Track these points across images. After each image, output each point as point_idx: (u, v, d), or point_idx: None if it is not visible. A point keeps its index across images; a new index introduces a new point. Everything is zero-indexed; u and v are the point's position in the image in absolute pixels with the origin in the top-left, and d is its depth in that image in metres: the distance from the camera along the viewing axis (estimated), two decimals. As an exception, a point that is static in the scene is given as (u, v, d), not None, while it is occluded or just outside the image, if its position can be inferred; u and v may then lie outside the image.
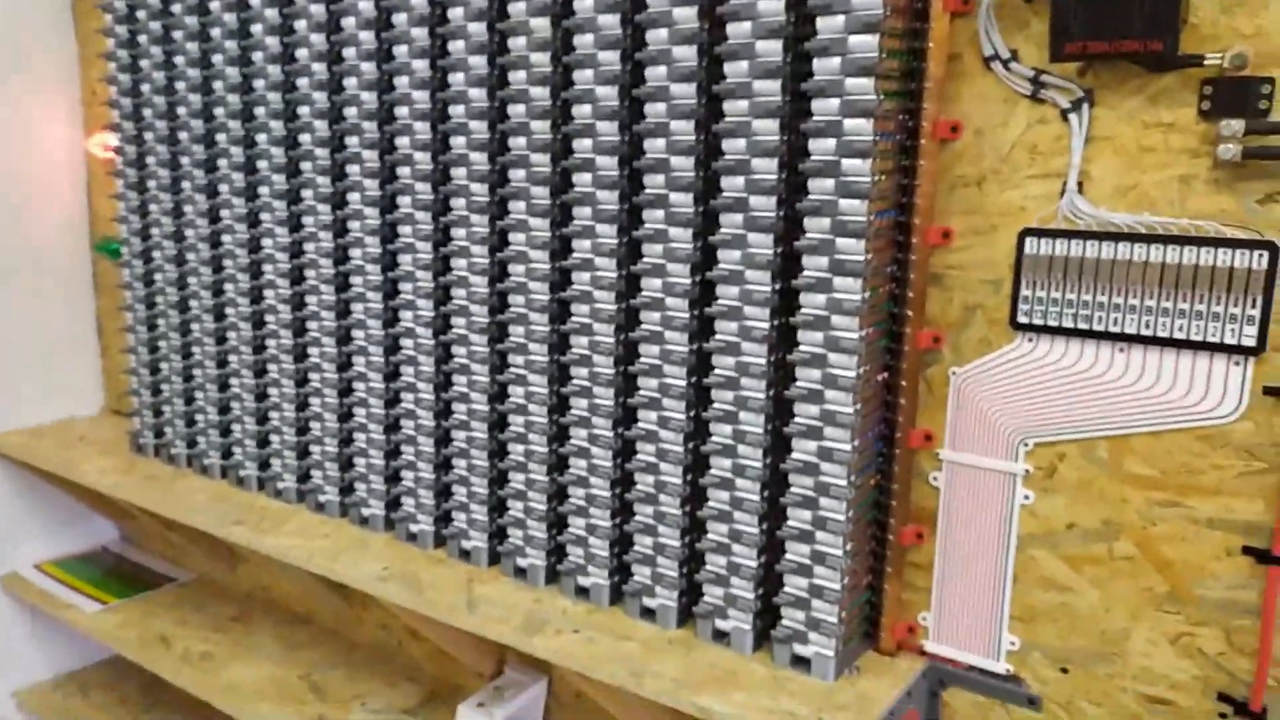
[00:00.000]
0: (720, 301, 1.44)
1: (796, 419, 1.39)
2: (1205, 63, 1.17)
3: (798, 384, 1.38)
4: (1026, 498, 1.38)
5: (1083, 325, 1.29)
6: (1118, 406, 1.29)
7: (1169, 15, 1.15)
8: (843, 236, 1.32)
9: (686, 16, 1.39)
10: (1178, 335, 1.23)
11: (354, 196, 1.86)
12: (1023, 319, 1.33)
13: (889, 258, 1.39)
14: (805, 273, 1.36)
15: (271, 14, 1.88)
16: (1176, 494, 1.27)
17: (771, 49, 1.33)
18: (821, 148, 1.32)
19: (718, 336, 1.45)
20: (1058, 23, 1.22)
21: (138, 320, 2.31)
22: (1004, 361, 1.37)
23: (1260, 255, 1.17)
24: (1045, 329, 1.32)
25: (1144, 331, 1.25)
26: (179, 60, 2.08)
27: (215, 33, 2.00)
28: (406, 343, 1.84)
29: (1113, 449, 1.30)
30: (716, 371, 1.46)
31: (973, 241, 1.37)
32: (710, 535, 1.51)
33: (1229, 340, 1.20)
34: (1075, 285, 1.29)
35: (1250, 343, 1.19)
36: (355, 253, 1.88)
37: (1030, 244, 1.31)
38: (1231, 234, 1.19)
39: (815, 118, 1.32)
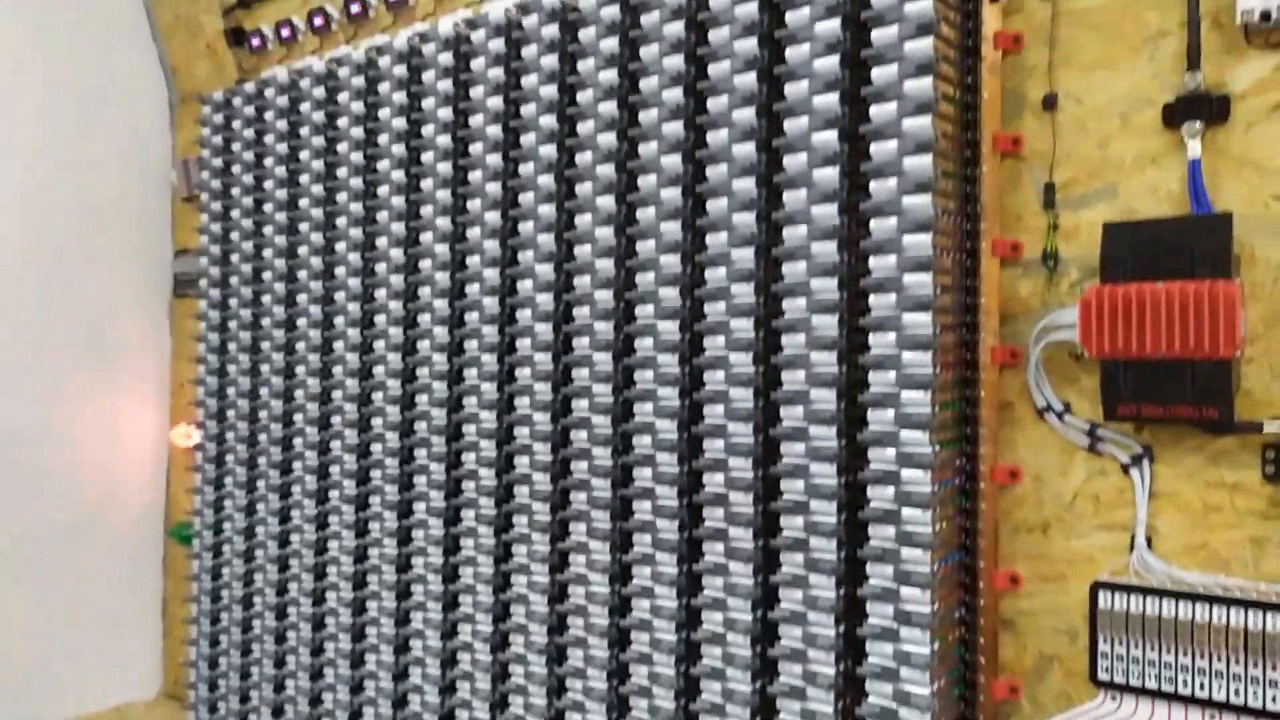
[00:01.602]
0: (782, 679, 1.41)
1: (868, 777, 1.33)
2: (1264, 430, 1.18)
3: (868, 739, 1.33)
4: None
5: (1168, 688, 1.23)
6: (1215, 778, 1.21)
7: (1222, 384, 1.17)
8: (907, 586, 1.31)
9: (742, 361, 1.45)
10: (1271, 708, 1.16)
11: (419, 506, 1.91)
12: (1103, 675, 1.28)
13: (956, 601, 1.37)
14: (870, 620, 1.34)
15: (354, 334, 2.01)
16: None
17: (826, 397, 1.37)
18: (881, 495, 1.34)
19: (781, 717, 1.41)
20: (1108, 385, 1.25)
21: (202, 612, 2.34)
22: None
23: (1349, 628, 1.12)
24: (1129, 688, 1.26)
25: (1234, 699, 1.19)
26: (264, 368, 2.21)
27: (300, 346, 2.14)
28: (464, 657, 1.82)
29: (1215, 825, 1.21)
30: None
31: (1042, 588, 1.35)
32: None
33: (1328, 716, 1.13)
34: (1156, 644, 1.24)
35: (1352, 721, 1.12)
36: (417, 560, 1.91)
37: (1104, 598, 1.28)
38: (1315, 602, 1.15)
39: (873, 465, 1.34)
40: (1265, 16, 1.17)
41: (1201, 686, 1.21)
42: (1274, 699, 1.17)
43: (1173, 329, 1.17)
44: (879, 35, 1.33)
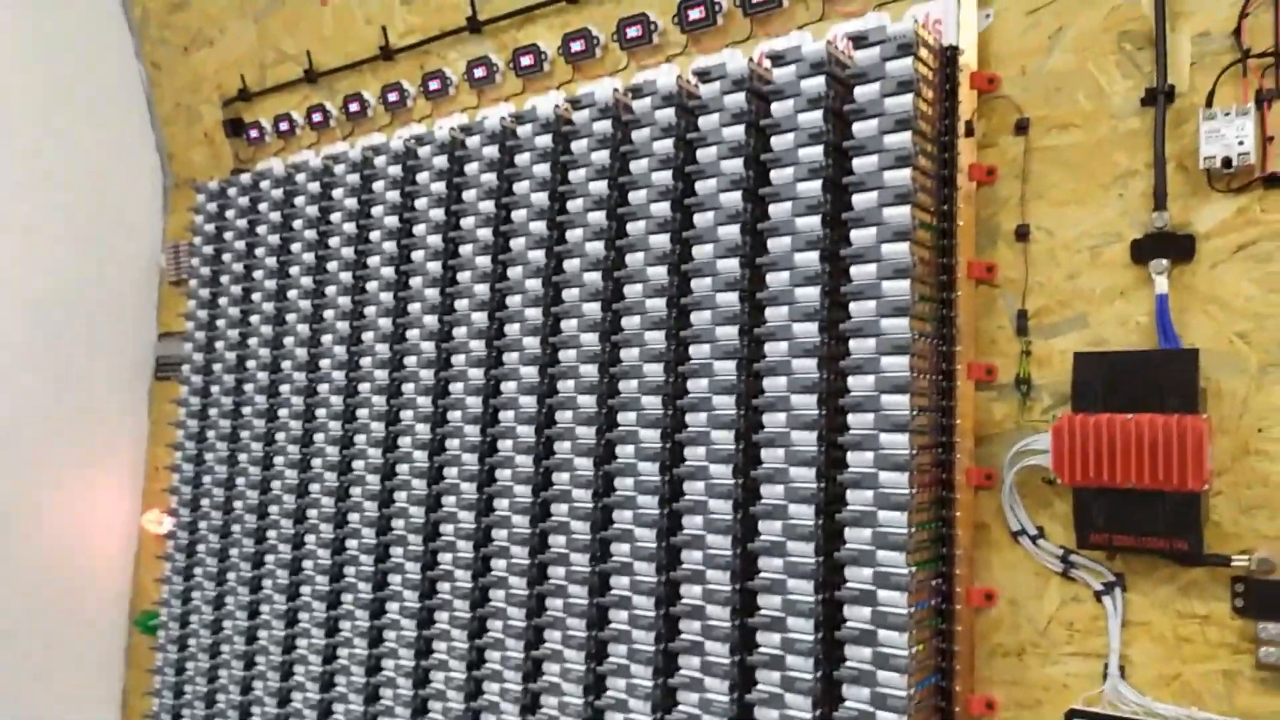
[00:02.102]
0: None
1: None
2: (1232, 563, 1.19)
3: None
4: None
5: (1142, 823, 1.22)
6: None
7: (1191, 516, 1.19)
8: (883, 710, 1.30)
9: (721, 473, 1.46)
10: None
11: (393, 606, 1.88)
12: (1077, 807, 1.27)
13: (931, 726, 1.36)
14: (844, 743, 1.33)
15: (334, 428, 2.01)
16: None
17: (804, 514, 1.38)
18: (857, 615, 1.33)
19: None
20: (1081, 513, 1.27)
21: (164, 707, 2.27)
22: None
23: (1321, 767, 1.12)
24: (1102, 822, 1.25)
25: (1209, 837, 1.18)
26: (242, 457, 2.20)
27: (280, 437, 2.13)
28: (431, 764, 1.78)
29: None
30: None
31: (1019, 715, 1.34)
32: None
33: None
34: (1129, 777, 1.24)
35: None
36: (388, 664, 1.88)
37: (1077, 728, 1.28)
38: (1287, 740, 1.15)
39: (850, 584, 1.34)
40: (1227, 163, 1.22)
41: (1177, 823, 1.20)
42: (1249, 838, 1.16)
43: (1143, 461, 1.19)
44: (859, 164, 1.38)
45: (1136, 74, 1.32)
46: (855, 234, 1.38)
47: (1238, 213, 1.24)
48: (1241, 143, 1.21)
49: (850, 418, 1.36)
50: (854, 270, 1.38)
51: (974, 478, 1.39)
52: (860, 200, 1.38)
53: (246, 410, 2.21)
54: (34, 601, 2.46)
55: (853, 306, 1.37)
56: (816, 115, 1.42)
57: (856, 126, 1.39)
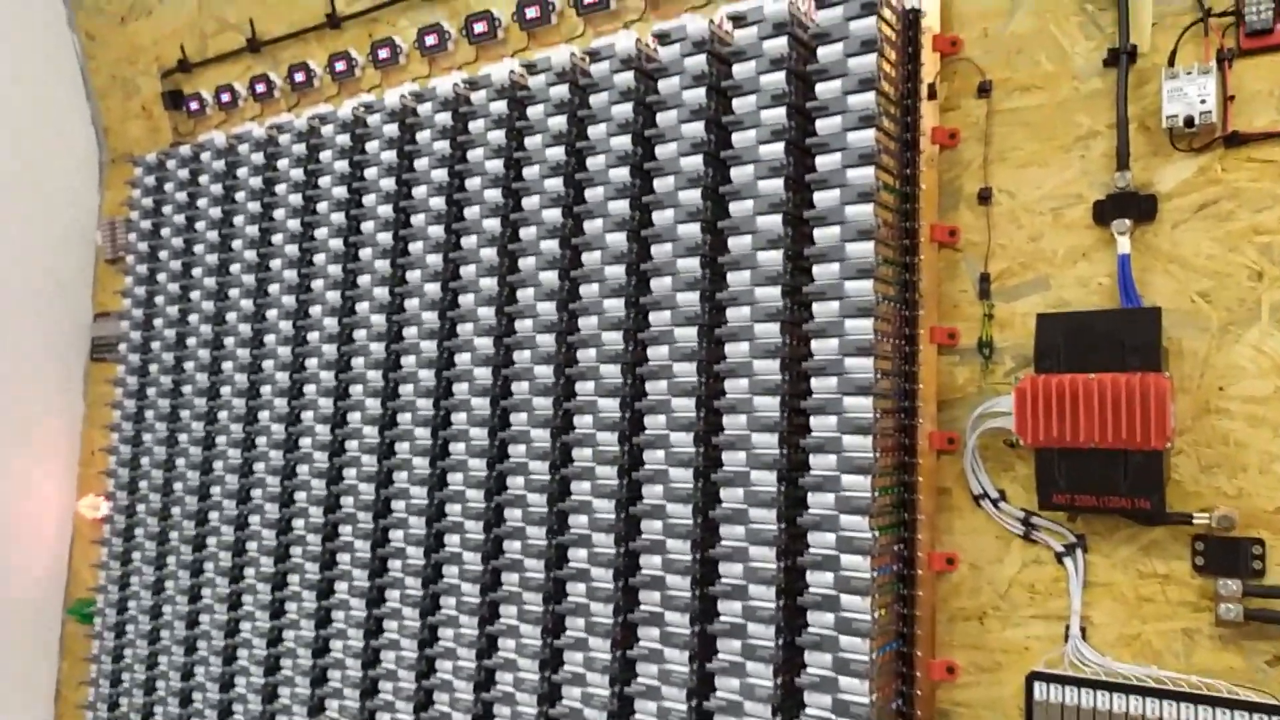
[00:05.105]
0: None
1: None
2: (1193, 521, 1.20)
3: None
4: None
5: (1105, 783, 1.22)
6: None
7: (1154, 475, 1.19)
8: (845, 675, 1.28)
9: (682, 441, 1.44)
10: (1207, 804, 1.16)
11: (341, 586, 1.82)
12: (1041, 770, 1.26)
13: (894, 691, 1.34)
14: (807, 710, 1.31)
15: (280, 405, 1.94)
16: None
17: (767, 480, 1.36)
18: (820, 581, 1.32)
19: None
20: (1043, 474, 1.26)
21: (100, 697, 2.18)
22: (1024, 815, 1.28)
23: (1280, 721, 1.13)
24: (1065, 783, 1.25)
25: (1170, 795, 1.18)
26: (183, 437, 2.12)
27: (222, 416, 2.05)
28: (382, 748, 1.73)
29: None
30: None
31: (979, 679, 1.34)
32: None
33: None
34: (1091, 737, 1.23)
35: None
36: (336, 644, 1.82)
37: (1039, 689, 1.27)
38: (1244, 696, 1.15)
39: (812, 550, 1.32)
40: (1189, 122, 1.23)
41: (1139, 781, 1.20)
42: (1210, 795, 1.16)
43: (1105, 420, 1.19)
44: (823, 125, 1.36)
45: (1098, 35, 1.32)
46: (819, 196, 1.36)
47: (1199, 172, 1.25)
48: (1204, 101, 1.21)
49: (814, 382, 1.34)
50: (818, 234, 1.36)
51: (936, 442, 1.38)
52: (824, 162, 1.36)
53: (187, 389, 2.13)
54: (-40, 592, 2.36)
55: (816, 270, 1.35)
56: (779, 77, 1.40)
57: (819, 87, 1.37)
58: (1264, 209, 1.20)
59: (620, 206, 1.54)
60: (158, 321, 2.21)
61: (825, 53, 1.36)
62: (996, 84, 1.39)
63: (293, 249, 1.97)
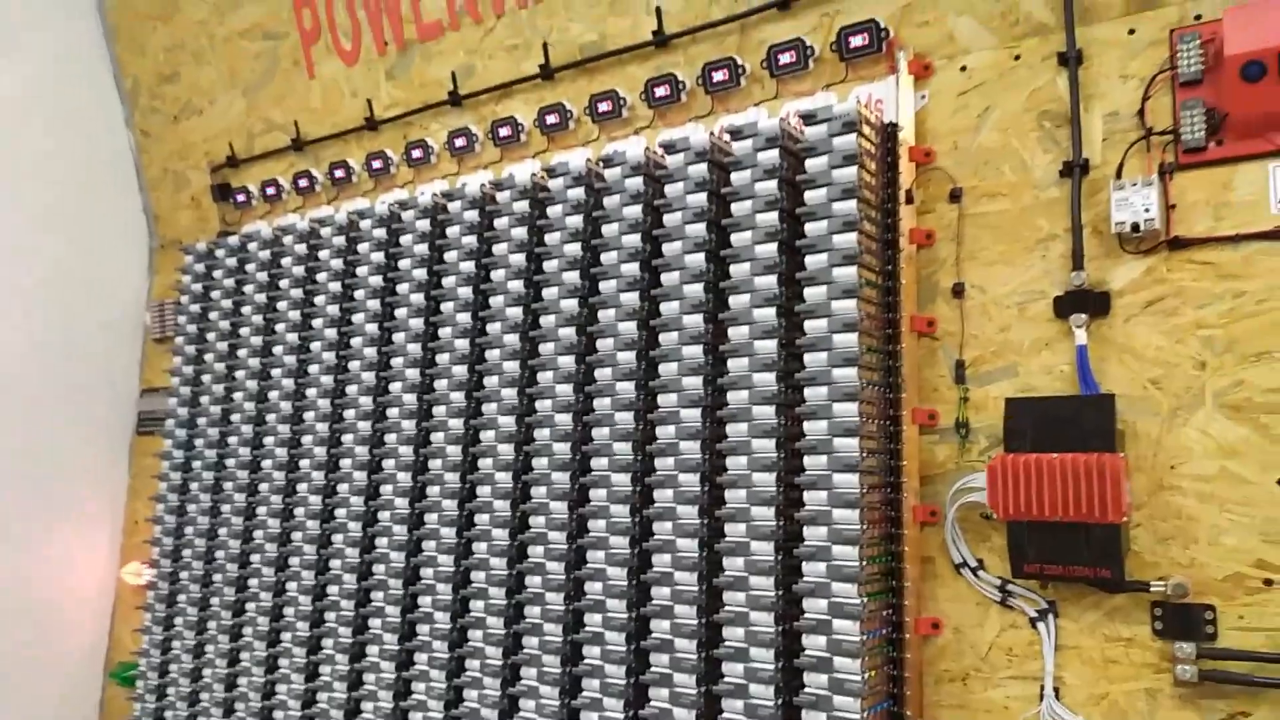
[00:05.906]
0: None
1: None
2: (1151, 589, 1.31)
3: None
4: None
5: (1078, 834, 1.32)
6: None
7: (1112, 546, 1.31)
8: (837, 732, 1.39)
9: (688, 514, 1.57)
10: None
11: (372, 650, 1.95)
12: (1019, 822, 1.36)
13: (884, 748, 1.45)
14: (804, 766, 1.41)
15: (318, 478, 2.09)
16: None
17: (765, 549, 1.48)
18: (815, 644, 1.43)
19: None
20: (1015, 545, 1.38)
21: (139, 760, 2.30)
22: None
23: (1234, 775, 1.22)
24: (1042, 835, 1.34)
25: (1138, 845, 1.27)
26: (225, 508, 2.27)
27: (263, 488, 2.20)
28: (409, 804, 1.83)
29: None
30: None
31: (963, 736, 1.44)
32: None
33: None
34: (1065, 791, 1.33)
35: None
36: (367, 706, 1.93)
37: (1017, 746, 1.37)
38: (1204, 751, 1.25)
39: (807, 615, 1.44)
40: (1135, 228, 1.37)
41: (1109, 832, 1.29)
42: (1173, 844, 1.25)
43: (1067, 496, 1.31)
44: (811, 228, 1.52)
45: (1055, 149, 1.48)
46: (808, 292, 1.51)
47: (1146, 272, 1.39)
48: (1148, 210, 1.36)
49: (806, 460, 1.47)
50: (807, 325, 1.50)
51: (919, 514, 1.51)
52: (812, 261, 1.51)
53: (230, 462, 2.29)
54: (8, 655, 2.49)
55: (807, 358, 1.50)
56: (771, 184, 1.56)
57: (808, 195, 1.53)
58: (1205, 305, 1.34)
59: (631, 298, 1.69)
60: (204, 398, 2.38)
61: (812, 164, 1.53)
62: (966, 191, 1.55)
63: (331, 333, 2.14)
